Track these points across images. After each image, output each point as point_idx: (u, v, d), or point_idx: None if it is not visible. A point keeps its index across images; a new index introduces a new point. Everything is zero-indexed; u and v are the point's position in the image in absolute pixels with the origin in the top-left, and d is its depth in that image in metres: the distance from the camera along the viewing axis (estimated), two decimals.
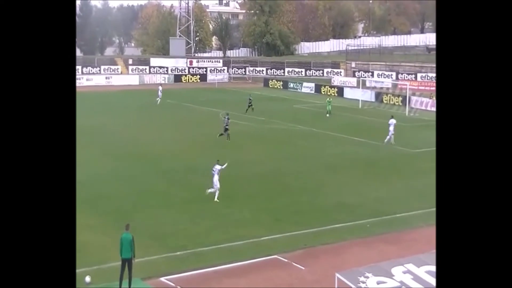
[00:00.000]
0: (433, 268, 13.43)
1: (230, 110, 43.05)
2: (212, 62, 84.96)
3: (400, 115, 45.16)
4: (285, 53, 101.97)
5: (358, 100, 58.22)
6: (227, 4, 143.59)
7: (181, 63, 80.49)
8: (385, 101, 58.83)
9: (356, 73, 74.65)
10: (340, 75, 77.31)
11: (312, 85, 70.01)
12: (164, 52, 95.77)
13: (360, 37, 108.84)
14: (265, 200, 24.47)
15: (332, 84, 71.12)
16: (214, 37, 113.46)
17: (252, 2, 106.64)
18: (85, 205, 21.09)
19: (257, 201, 24.29)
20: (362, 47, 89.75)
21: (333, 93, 65.75)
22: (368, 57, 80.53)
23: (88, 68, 74.80)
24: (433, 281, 13.41)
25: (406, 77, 69.31)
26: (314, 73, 79.72)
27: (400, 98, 57.53)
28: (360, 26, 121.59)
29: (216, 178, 23.68)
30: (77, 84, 57.47)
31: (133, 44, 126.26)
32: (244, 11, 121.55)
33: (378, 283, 13.59)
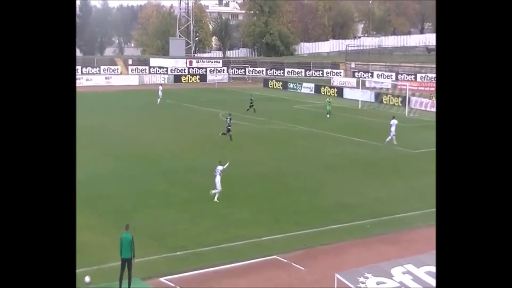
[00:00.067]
0: (432, 268, 13.44)
1: (230, 110, 42.96)
2: (212, 62, 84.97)
3: (400, 115, 45.11)
4: (285, 54, 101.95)
5: (358, 100, 58.21)
6: (227, 5, 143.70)
7: (181, 64, 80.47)
8: (384, 102, 58.81)
9: (356, 74, 74.66)
10: (340, 75, 77.32)
11: (312, 85, 69.99)
12: (163, 52, 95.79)
13: (359, 37, 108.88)
14: (265, 200, 24.49)
15: (332, 85, 71.09)
16: (214, 37, 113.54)
17: (252, 3, 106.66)
18: (85, 205, 21.09)
19: (257, 201, 24.31)
20: (361, 48, 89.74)
21: (332, 93, 65.70)
22: (368, 58, 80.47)
23: (88, 68, 74.82)
24: (432, 281, 13.42)
25: (406, 77, 69.29)
26: (314, 73, 79.72)
27: (400, 99, 57.48)
28: (360, 26, 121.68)
29: (218, 179, 23.71)
30: (77, 84, 57.47)
31: (132, 44, 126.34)
32: (243, 11, 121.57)
33: (377, 283, 13.61)
